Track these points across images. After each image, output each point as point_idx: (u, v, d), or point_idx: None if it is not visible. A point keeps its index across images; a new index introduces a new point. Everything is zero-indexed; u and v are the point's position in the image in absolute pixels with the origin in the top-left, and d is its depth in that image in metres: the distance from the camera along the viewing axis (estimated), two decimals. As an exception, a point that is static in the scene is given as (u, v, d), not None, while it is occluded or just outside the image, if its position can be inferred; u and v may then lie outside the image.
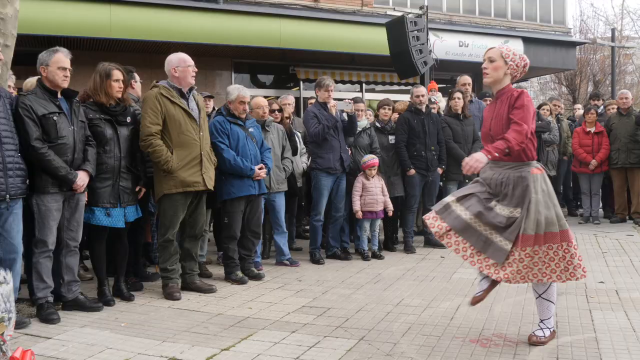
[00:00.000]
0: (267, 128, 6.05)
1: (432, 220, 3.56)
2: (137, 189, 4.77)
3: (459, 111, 7.32)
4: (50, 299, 4.20)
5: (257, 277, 5.48)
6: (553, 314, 3.57)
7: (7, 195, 3.82)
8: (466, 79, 7.77)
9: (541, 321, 3.55)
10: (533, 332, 3.55)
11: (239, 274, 5.40)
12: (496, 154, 3.32)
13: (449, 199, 3.61)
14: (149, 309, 4.46)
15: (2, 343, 2.72)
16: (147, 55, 10.93)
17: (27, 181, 4.02)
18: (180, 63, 4.86)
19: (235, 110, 5.44)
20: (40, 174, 4.08)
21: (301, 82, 13.31)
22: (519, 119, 3.32)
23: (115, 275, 4.81)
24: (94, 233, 4.62)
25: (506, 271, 3.34)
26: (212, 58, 11.93)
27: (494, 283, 3.55)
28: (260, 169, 5.38)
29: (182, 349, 3.52)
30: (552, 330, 3.55)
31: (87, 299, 4.45)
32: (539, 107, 9.08)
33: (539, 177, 3.40)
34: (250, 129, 5.52)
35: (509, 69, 3.46)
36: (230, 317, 4.21)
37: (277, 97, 7.59)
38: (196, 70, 4.93)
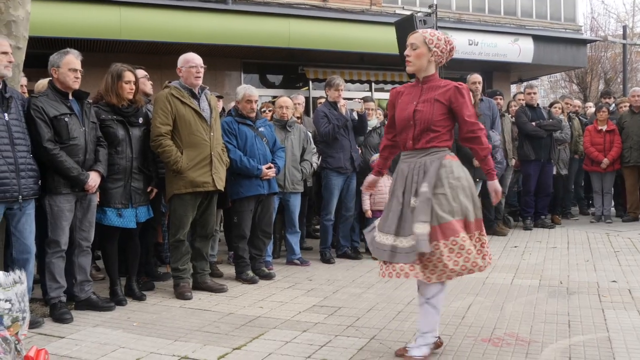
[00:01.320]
0: (288, 128, 6.06)
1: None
2: (148, 189, 4.80)
3: (469, 110, 7.28)
4: (63, 298, 4.23)
5: (268, 277, 5.49)
6: (436, 328, 3.29)
7: (20, 196, 3.85)
8: (476, 77, 7.73)
9: (422, 334, 3.26)
10: (406, 347, 3.32)
11: (250, 273, 5.42)
12: (495, 171, 3.28)
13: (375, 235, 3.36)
14: (161, 309, 4.48)
15: (16, 342, 2.74)
16: (156, 57, 10.97)
17: (40, 182, 4.06)
18: (184, 64, 4.88)
19: (243, 109, 5.45)
20: (53, 174, 4.11)
21: (310, 82, 13.31)
22: (474, 120, 3.19)
23: (127, 275, 4.84)
24: (106, 233, 4.65)
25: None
26: (221, 58, 11.96)
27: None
28: (268, 168, 5.39)
29: (194, 348, 3.53)
30: (431, 345, 3.25)
31: (99, 298, 4.48)
32: (551, 105, 9.02)
33: (454, 164, 3.21)
34: (261, 129, 5.53)
35: (433, 55, 3.22)
36: (241, 317, 4.22)
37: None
38: (200, 70, 4.86)
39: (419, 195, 3.13)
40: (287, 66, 13.18)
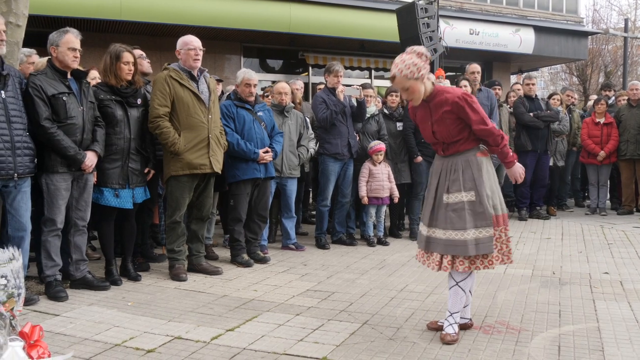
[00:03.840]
0: (286, 114, 6.06)
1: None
2: (146, 170, 4.81)
3: (468, 99, 7.29)
4: (59, 277, 4.26)
5: (263, 261, 5.52)
6: (462, 308, 3.44)
7: (15, 174, 3.86)
8: (475, 67, 7.72)
9: (450, 314, 3.39)
10: (443, 329, 3.41)
11: (245, 256, 5.44)
12: (514, 155, 3.51)
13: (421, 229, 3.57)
14: (156, 289, 4.51)
15: (11, 318, 2.76)
16: (156, 38, 10.92)
17: (35, 160, 4.06)
18: (182, 46, 4.87)
19: (242, 93, 5.45)
20: (50, 153, 4.12)
21: (310, 68, 13.27)
22: (483, 126, 3.34)
23: (123, 255, 4.86)
24: (103, 213, 4.66)
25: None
26: (222, 42, 11.90)
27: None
28: (265, 152, 5.40)
29: (188, 328, 3.56)
30: (459, 325, 3.43)
31: (94, 278, 4.51)
32: (549, 97, 9.03)
33: (484, 160, 3.41)
34: (259, 113, 5.53)
35: (419, 78, 3.31)
36: (235, 299, 4.25)
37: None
38: (199, 53, 4.84)
39: (457, 202, 3.36)
40: (287, 51, 13.13)
